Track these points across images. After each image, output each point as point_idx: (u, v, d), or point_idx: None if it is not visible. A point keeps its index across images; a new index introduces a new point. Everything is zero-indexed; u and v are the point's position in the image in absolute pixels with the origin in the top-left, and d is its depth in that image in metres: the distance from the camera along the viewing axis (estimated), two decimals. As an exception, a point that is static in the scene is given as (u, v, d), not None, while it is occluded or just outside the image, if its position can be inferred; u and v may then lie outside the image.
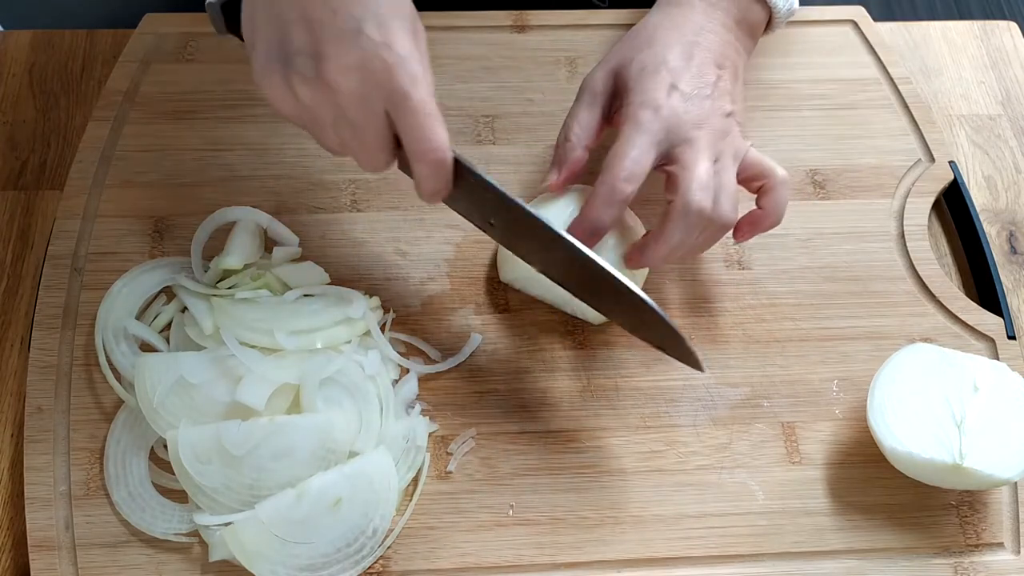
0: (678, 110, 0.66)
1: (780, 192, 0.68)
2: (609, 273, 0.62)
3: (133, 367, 0.66)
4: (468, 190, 0.63)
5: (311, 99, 0.57)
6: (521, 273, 0.71)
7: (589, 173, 0.69)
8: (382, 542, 0.63)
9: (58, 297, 0.70)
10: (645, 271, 0.70)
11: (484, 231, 0.67)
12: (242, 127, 0.79)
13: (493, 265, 0.74)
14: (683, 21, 0.70)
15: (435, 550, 0.64)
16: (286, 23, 0.56)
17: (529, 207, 0.62)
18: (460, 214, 0.66)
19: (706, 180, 0.64)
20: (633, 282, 0.62)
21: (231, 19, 0.64)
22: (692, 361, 0.64)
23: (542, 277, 0.67)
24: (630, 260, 0.67)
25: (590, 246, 0.63)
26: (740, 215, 0.68)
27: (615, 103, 0.70)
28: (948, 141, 0.84)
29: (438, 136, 0.58)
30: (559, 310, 0.72)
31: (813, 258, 0.76)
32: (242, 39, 0.62)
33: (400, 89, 0.56)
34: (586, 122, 0.69)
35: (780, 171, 0.68)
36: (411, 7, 0.58)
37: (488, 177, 0.62)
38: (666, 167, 0.66)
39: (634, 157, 0.64)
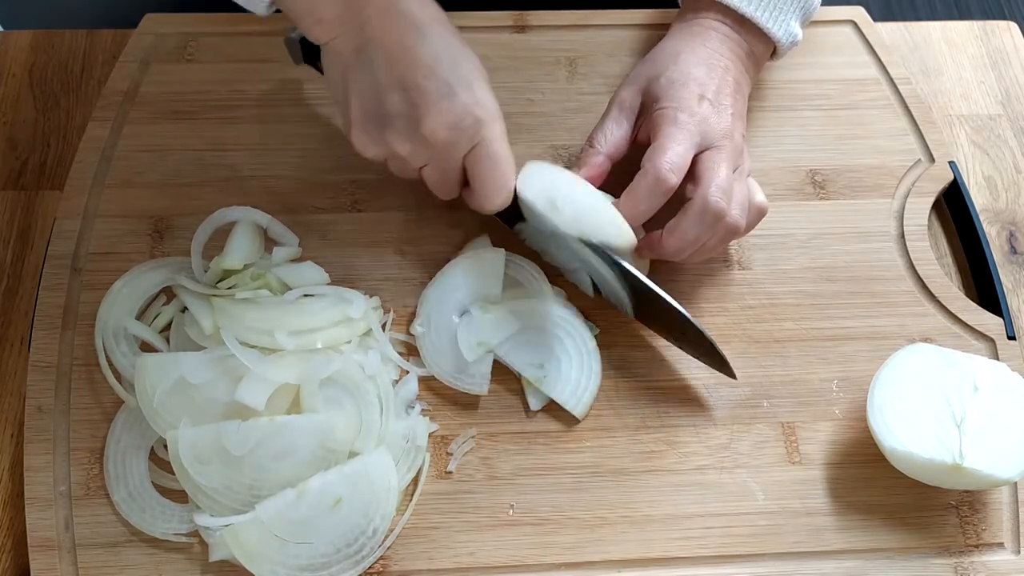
0: (709, 117, 0.69)
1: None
2: (654, 291, 0.67)
3: (133, 367, 0.66)
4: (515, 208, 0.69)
5: (407, 152, 0.66)
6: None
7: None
8: (382, 542, 0.63)
9: (58, 297, 0.70)
10: (647, 263, 0.71)
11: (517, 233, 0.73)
12: (242, 127, 0.79)
13: (493, 265, 0.74)
14: (701, 46, 0.73)
15: (435, 550, 0.64)
16: (382, 88, 0.64)
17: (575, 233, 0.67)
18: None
19: (726, 184, 0.67)
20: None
21: (307, 51, 0.74)
22: (724, 368, 0.69)
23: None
24: (643, 249, 0.69)
25: None
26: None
27: (640, 120, 0.72)
28: (948, 141, 0.83)
29: (508, 181, 0.66)
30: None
31: (813, 258, 0.76)
32: (319, 70, 0.72)
33: (485, 141, 0.65)
34: (611, 133, 0.72)
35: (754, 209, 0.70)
36: (479, 63, 0.66)
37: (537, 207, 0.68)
38: (691, 167, 0.68)
39: (677, 151, 0.67)
